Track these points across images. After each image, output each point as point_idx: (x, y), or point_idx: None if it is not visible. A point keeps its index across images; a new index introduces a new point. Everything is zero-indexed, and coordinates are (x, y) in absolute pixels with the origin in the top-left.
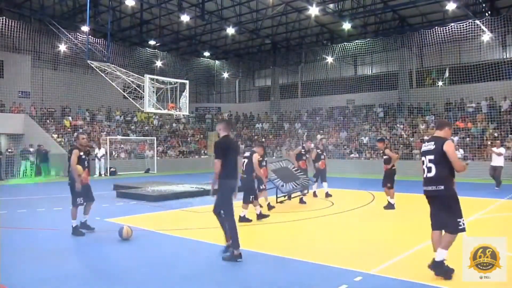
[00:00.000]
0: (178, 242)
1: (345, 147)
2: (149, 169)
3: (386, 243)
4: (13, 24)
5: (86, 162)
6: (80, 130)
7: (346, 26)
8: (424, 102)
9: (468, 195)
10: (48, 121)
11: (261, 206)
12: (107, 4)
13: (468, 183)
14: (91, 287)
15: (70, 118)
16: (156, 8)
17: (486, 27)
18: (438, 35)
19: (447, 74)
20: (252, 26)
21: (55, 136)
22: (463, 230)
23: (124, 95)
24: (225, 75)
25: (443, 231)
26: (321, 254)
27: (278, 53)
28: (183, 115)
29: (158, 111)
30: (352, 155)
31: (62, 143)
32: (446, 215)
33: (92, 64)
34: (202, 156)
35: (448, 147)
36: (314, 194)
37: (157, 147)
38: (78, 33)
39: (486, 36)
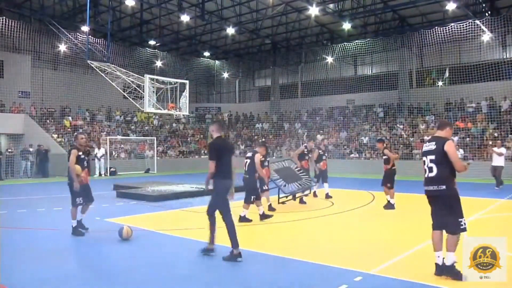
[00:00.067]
0: (178, 242)
1: (345, 147)
2: (149, 169)
3: (386, 243)
4: (13, 24)
5: (85, 162)
6: (80, 130)
7: (346, 26)
8: (424, 102)
9: (468, 195)
10: (48, 121)
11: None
12: (107, 4)
13: (468, 183)
14: (91, 287)
15: (70, 118)
16: (156, 8)
17: (486, 27)
18: (438, 35)
19: (447, 74)
20: (252, 26)
21: (55, 136)
22: (464, 230)
23: (124, 95)
24: (225, 75)
25: (444, 232)
26: (321, 254)
27: (278, 53)
28: (183, 115)
29: (158, 111)
30: (352, 155)
31: (62, 143)
32: (447, 215)
33: (92, 64)
34: (202, 156)
35: (449, 147)
36: (314, 194)
37: (157, 147)
38: (78, 33)
39: (486, 36)
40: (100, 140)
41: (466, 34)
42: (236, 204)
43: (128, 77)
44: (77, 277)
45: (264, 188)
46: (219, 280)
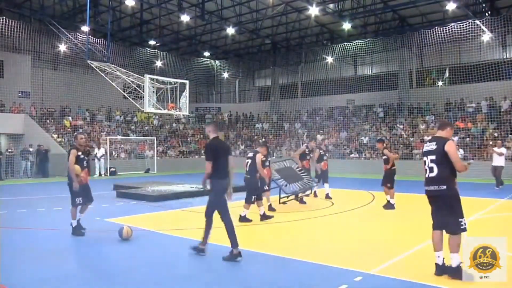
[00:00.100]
0: (178, 242)
1: (345, 147)
2: (149, 169)
3: (386, 243)
4: (13, 24)
5: (85, 162)
6: (80, 130)
7: (346, 26)
8: (424, 102)
9: (468, 195)
10: (48, 121)
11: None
12: (107, 4)
13: (468, 183)
14: (91, 287)
15: (70, 118)
16: (156, 8)
17: (486, 27)
18: (438, 35)
19: (447, 74)
20: (252, 26)
21: (55, 136)
22: (464, 230)
23: (124, 95)
24: (225, 75)
25: (444, 232)
26: (321, 254)
27: (278, 53)
28: (183, 115)
29: (158, 111)
30: (352, 155)
31: (62, 143)
32: (447, 215)
33: (92, 64)
34: (202, 156)
35: (449, 147)
36: (315, 194)
37: (157, 147)
38: (78, 33)
39: (486, 36)
40: (100, 140)
41: (466, 34)
42: (237, 204)
43: (128, 77)
44: (77, 277)
45: (264, 188)
46: (219, 280)
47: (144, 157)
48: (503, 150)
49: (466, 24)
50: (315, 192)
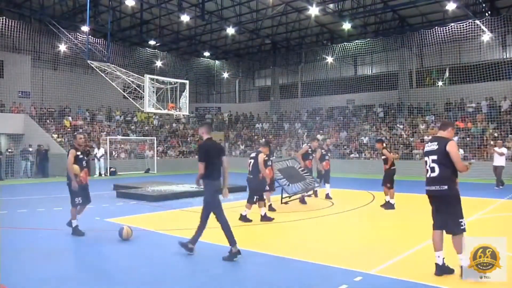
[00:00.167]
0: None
1: (345, 147)
2: (149, 169)
3: (386, 243)
4: (13, 24)
5: (84, 162)
6: (80, 130)
7: (346, 26)
8: (424, 102)
9: (468, 195)
10: (48, 121)
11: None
12: (107, 4)
13: (468, 183)
14: (91, 287)
15: (70, 118)
16: (156, 8)
17: (486, 27)
18: (438, 35)
19: (447, 74)
20: (252, 26)
21: (55, 136)
22: (464, 230)
23: (124, 95)
24: (225, 75)
25: (445, 233)
26: (321, 254)
27: (278, 53)
28: (183, 115)
29: (158, 111)
30: (352, 155)
31: (62, 143)
32: (448, 215)
33: (92, 64)
34: None
35: (451, 147)
36: (315, 194)
37: (157, 147)
38: (78, 33)
39: (486, 36)
40: (100, 140)
41: (466, 34)
42: (238, 204)
43: (128, 77)
44: (77, 277)
45: (265, 188)
46: (219, 280)
47: (144, 157)
48: (504, 150)
49: (466, 24)
50: (316, 191)
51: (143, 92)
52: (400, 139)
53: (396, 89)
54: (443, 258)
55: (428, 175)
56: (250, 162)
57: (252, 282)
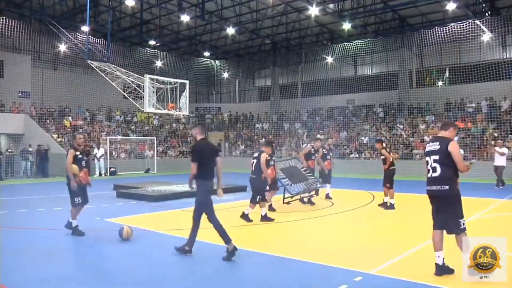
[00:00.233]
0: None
1: (345, 147)
2: (149, 169)
3: (386, 243)
4: (13, 24)
5: (83, 162)
6: (80, 130)
7: (346, 26)
8: (424, 102)
9: (468, 195)
10: (48, 121)
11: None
12: (107, 4)
13: (468, 183)
14: (91, 287)
15: (70, 118)
16: (156, 8)
17: (486, 27)
18: (438, 35)
19: (447, 74)
20: (252, 26)
21: (55, 136)
22: (464, 230)
23: (124, 95)
24: (225, 75)
25: (445, 233)
26: (321, 254)
27: (278, 53)
28: (183, 115)
29: (158, 111)
30: (352, 155)
31: (62, 143)
32: (448, 215)
33: (92, 64)
34: None
35: (453, 147)
36: (316, 193)
37: (157, 147)
38: (78, 33)
39: (486, 36)
40: (100, 140)
41: (466, 34)
42: (238, 204)
43: (128, 77)
44: (77, 277)
45: (266, 188)
46: (219, 280)
47: (144, 157)
48: (504, 150)
49: (466, 24)
50: (317, 191)
51: (143, 92)
52: (400, 139)
53: (396, 89)
54: (443, 258)
55: (429, 175)
56: (253, 162)
57: (252, 282)
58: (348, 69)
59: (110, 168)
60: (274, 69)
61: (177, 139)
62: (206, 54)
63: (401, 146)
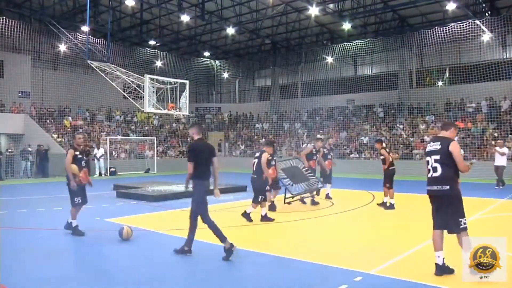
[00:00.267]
0: (178, 242)
1: (345, 147)
2: (149, 169)
3: (386, 243)
4: (13, 24)
5: (83, 162)
6: (80, 130)
7: (346, 26)
8: (424, 102)
9: (468, 195)
10: (48, 121)
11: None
12: (107, 4)
13: (468, 183)
14: (91, 287)
15: (70, 118)
16: (156, 8)
17: (486, 27)
18: (438, 35)
19: (447, 74)
20: (252, 26)
21: (55, 136)
22: (464, 229)
23: (124, 95)
24: (225, 75)
25: (446, 233)
26: (321, 254)
27: (278, 53)
28: (183, 115)
29: (158, 111)
30: (352, 155)
31: (62, 143)
32: (448, 215)
33: (92, 64)
34: None
35: (454, 147)
36: (317, 193)
37: (157, 147)
38: (78, 33)
39: (486, 36)
40: (100, 140)
41: (466, 34)
42: (237, 204)
43: (128, 77)
44: (77, 277)
45: (266, 188)
46: (219, 280)
47: (144, 157)
48: (505, 150)
49: (466, 24)
50: (318, 191)
51: (143, 92)
52: (400, 139)
53: (396, 89)
54: (443, 258)
55: (430, 175)
56: (254, 161)
57: (252, 282)
58: (348, 69)
59: (110, 168)
60: (274, 69)
61: (177, 139)
62: (206, 54)
63: (401, 146)
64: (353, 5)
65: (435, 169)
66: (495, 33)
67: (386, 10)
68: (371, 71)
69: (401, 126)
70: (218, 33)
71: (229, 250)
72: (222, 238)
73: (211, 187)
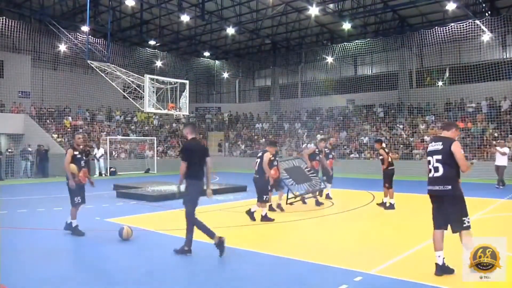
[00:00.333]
0: (178, 242)
1: (345, 147)
2: (149, 169)
3: (386, 243)
4: (13, 24)
5: (82, 162)
6: (80, 130)
7: (346, 26)
8: (424, 102)
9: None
10: (48, 121)
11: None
12: (107, 4)
13: (468, 183)
14: (91, 287)
15: (70, 118)
16: (156, 8)
17: (486, 27)
18: (438, 35)
19: (447, 74)
20: (252, 26)
21: (55, 136)
22: (468, 228)
23: (124, 95)
24: (225, 75)
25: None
26: (321, 254)
27: (278, 53)
28: (183, 115)
29: (158, 111)
30: (352, 155)
31: (62, 143)
32: (450, 215)
33: (92, 64)
34: None
35: (455, 147)
36: (320, 193)
37: (157, 147)
38: (78, 33)
39: (486, 36)
40: (100, 140)
41: (466, 34)
42: (237, 204)
43: (128, 77)
44: (77, 277)
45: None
46: (219, 280)
47: (144, 157)
48: (506, 149)
49: (466, 24)
50: (320, 191)
51: (143, 92)
52: (400, 139)
53: (396, 89)
54: (443, 258)
55: (431, 175)
56: (257, 161)
57: (252, 282)
58: (348, 69)
59: (110, 168)
60: (274, 69)
61: (177, 139)
62: (206, 54)
63: (401, 146)
64: (353, 5)
65: (436, 169)
66: (495, 33)
67: (386, 10)
68: (371, 71)
69: (401, 126)
70: (218, 33)
71: (221, 245)
72: (210, 234)
73: (204, 187)
